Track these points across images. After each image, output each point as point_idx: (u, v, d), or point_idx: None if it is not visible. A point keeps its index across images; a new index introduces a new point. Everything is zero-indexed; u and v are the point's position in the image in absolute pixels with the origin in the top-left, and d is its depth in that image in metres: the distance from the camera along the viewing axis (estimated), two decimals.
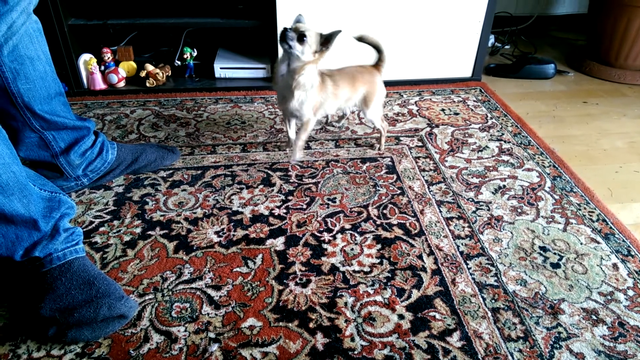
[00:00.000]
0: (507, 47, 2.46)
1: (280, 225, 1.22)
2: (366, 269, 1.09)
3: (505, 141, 1.60)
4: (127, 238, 1.17)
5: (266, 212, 1.26)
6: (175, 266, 1.09)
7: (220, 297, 1.02)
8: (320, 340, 0.93)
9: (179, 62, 2.01)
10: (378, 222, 1.23)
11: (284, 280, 1.06)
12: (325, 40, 1.27)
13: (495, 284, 1.06)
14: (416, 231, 1.20)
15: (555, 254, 1.14)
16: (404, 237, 1.18)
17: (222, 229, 1.20)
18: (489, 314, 0.99)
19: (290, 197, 1.32)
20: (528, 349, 0.92)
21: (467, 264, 1.11)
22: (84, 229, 1.19)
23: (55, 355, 0.90)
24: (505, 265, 1.11)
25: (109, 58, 1.86)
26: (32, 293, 0.94)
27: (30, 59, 1.07)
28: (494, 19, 1.92)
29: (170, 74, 1.96)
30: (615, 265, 1.12)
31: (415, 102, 1.86)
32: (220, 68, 1.95)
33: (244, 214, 1.25)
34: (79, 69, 1.81)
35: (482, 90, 1.96)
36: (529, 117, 1.80)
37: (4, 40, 1.00)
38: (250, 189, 1.35)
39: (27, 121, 1.13)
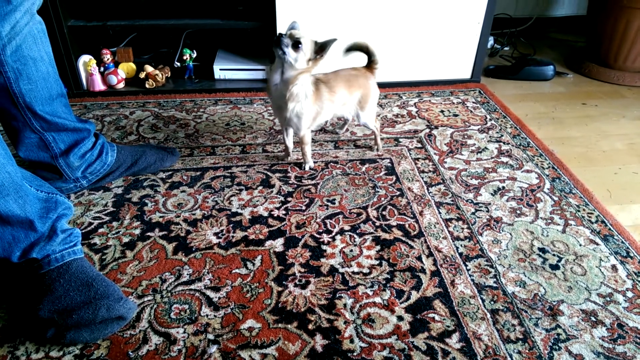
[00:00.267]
0: (506, 48, 2.46)
1: (280, 226, 1.22)
2: (365, 270, 1.09)
3: (504, 143, 1.60)
4: (126, 239, 1.17)
5: (265, 214, 1.26)
6: (174, 267, 1.09)
7: (219, 298, 1.02)
8: (319, 341, 0.93)
9: (178, 64, 2.01)
10: (377, 223, 1.23)
11: (283, 282, 1.06)
12: (320, 49, 1.26)
13: (495, 285, 1.06)
14: (415, 232, 1.20)
15: (554, 255, 1.14)
16: (403, 239, 1.18)
17: (221, 230, 1.20)
18: (488, 315, 0.99)
19: (289, 199, 1.31)
20: (527, 351, 0.92)
21: (466, 266, 1.11)
22: (83, 230, 1.19)
23: (54, 356, 0.90)
24: (504, 267, 1.11)
25: (108, 59, 1.86)
26: (31, 295, 0.94)
27: (33, 60, 1.07)
28: (493, 21, 1.92)
29: (169, 75, 1.96)
30: (614, 267, 1.12)
31: (415, 103, 1.86)
32: (220, 69, 1.95)
33: (243, 215, 1.25)
34: (79, 70, 1.81)
35: (482, 92, 1.96)
36: (528, 119, 1.80)
37: (7, 40, 1.00)
38: (249, 190, 1.35)
39: (28, 121, 1.13)
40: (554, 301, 1.02)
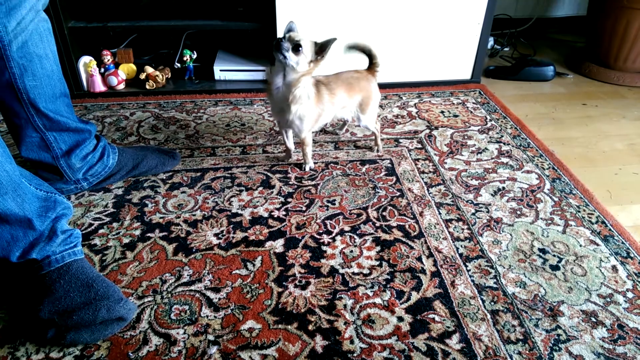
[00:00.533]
0: (506, 49, 2.46)
1: (280, 227, 1.22)
2: (365, 271, 1.09)
3: (504, 143, 1.60)
4: (126, 240, 1.17)
5: (265, 214, 1.26)
6: (174, 268, 1.09)
7: (219, 299, 1.02)
8: (319, 342, 0.93)
9: (178, 65, 2.01)
10: (377, 224, 1.23)
11: (283, 283, 1.06)
12: (320, 49, 1.25)
13: (495, 286, 1.06)
14: (415, 233, 1.20)
15: (554, 256, 1.14)
16: (404, 239, 1.18)
17: (222, 231, 1.20)
18: (489, 316, 0.99)
19: (289, 199, 1.32)
20: (527, 351, 0.92)
21: (466, 266, 1.11)
22: (83, 231, 1.19)
23: (54, 357, 0.90)
24: (504, 267, 1.11)
25: (108, 60, 1.86)
26: (31, 296, 0.94)
27: (38, 57, 1.08)
28: (493, 21, 1.92)
29: (170, 76, 1.96)
30: (614, 268, 1.12)
31: (415, 104, 1.86)
32: (220, 70, 1.95)
33: (243, 216, 1.25)
34: (79, 71, 1.81)
35: (482, 93, 1.96)
36: (528, 119, 1.80)
37: (13, 36, 1.01)
38: (249, 191, 1.35)
39: (30, 118, 1.13)
40: (554, 302, 1.02)
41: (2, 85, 1.06)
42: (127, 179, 1.38)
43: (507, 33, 2.51)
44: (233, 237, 1.18)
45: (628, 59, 2.07)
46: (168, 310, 0.99)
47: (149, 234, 1.19)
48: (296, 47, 1.21)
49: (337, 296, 1.03)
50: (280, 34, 1.79)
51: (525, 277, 1.08)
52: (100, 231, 1.20)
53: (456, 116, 1.77)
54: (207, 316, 0.98)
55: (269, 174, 1.42)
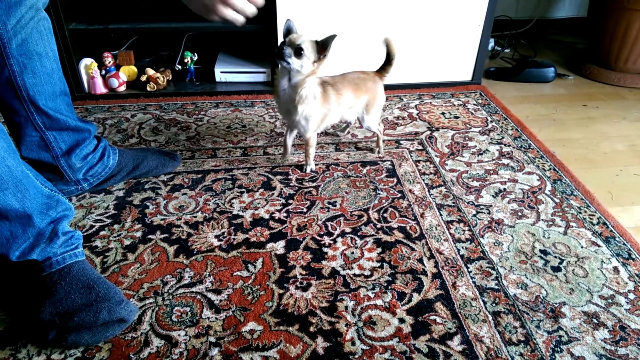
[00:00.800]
0: (507, 50, 2.46)
1: (281, 229, 1.22)
2: (367, 272, 1.09)
3: (505, 144, 1.60)
4: (127, 242, 1.17)
5: (266, 216, 1.26)
6: (175, 270, 1.09)
7: (220, 301, 1.02)
8: (320, 344, 0.93)
9: (179, 66, 2.01)
10: (378, 225, 1.23)
11: (285, 284, 1.06)
12: (322, 47, 1.24)
13: (496, 287, 1.06)
14: (416, 235, 1.20)
15: (555, 257, 1.14)
16: (405, 241, 1.18)
17: (223, 233, 1.20)
18: (490, 317, 0.99)
19: (290, 201, 1.32)
20: (529, 353, 0.92)
21: (467, 268, 1.11)
22: (85, 233, 1.19)
23: (55, 359, 0.90)
24: (505, 269, 1.11)
25: (109, 62, 1.86)
26: (32, 297, 0.94)
27: (38, 55, 1.09)
28: (493, 23, 1.92)
29: (170, 78, 1.96)
30: (616, 269, 1.11)
31: (416, 105, 1.86)
32: (221, 72, 1.95)
33: (244, 218, 1.25)
34: (80, 73, 1.82)
35: (482, 94, 1.96)
36: (529, 121, 1.80)
37: (12, 34, 1.02)
38: (250, 193, 1.35)
39: (30, 116, 1.13)
40: (556, 303, 1.02)
41: (1, 83, 1.07)
42: (128, 181, 1.38)
43: (508, 34, 2.51)
44: (234, 239, 1.18)
45: (629, 60, 2.07)
46: (169, 312, 0.99)
47: (150, 236, 1.19)
48: (298, 51, 1.21)
49: (338, 298, 1.03)
50: (280, 36, 1.79)
51: (527, 278, 1.08)
52: (102, 233, 1.20)
53: (457, 117, 1.77)
54: (208, 318, 0.98)
55: (269, 175, 1.42)
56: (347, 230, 1.21)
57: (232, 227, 1.22)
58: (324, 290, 1.05)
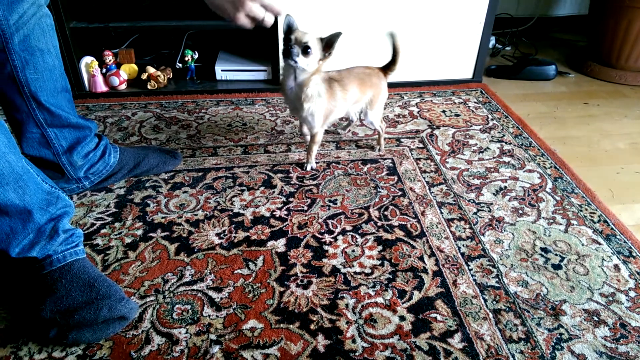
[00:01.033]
0: (507, 48, 2.46)
1: (282, 226, 1.22)
2: (367, 270, 1.09)
3: (506, 142, 1.60)
4: (128, 240, 1.17)
5: (267, 214, 1.26)
6: (176, 268, 1.09)
7: (221, 298, 1.02)
8: (321, 341, 0.93)
9: (180, 65, 2.01)
10: (379, 223, 1.23)
11: (285, 282, 1.06)
12: (327, 45, 1.25)
13: (497, 285, 1.06)
14: (417, 233, 1.20)
15: (556, 255, 1.14)
16: (405, 239, 1.18)
17: (223, 231, 1.20)
18: (490, 315, 0.99)
19: (291, 199, 1.32)
20: (529, 351, 0.92)
21: (468, 265, 1.11)
22: (86, 231, 1.19)
23: (56, 357, 0.90)
24: (506, 267, 1.11)
25: (110, 61, 1.87)
26: (33, 295, 0.94)
27: (40, 51, 1.09)
28: (494, 21, 1.92)
29: (171, 77, 1.96)
30: (616, 267, 1.11)
31: (416, 103, 1.86)
32: (222, 70, 1.95)
33: (245, 216, 1.25)
34: (81, 72, 1.82)
35: (483, 92, 1.96)
36: (530, 119, 1.80)
37: (15, 29, 1.02)
38: (251, 191, 1.35)
39: (32, 112, 1.13)
40: (557, 301, 1.02)
41: (3, 78, 1.07)
42: (129, 179, 1.38)
43: (509, 32, 2.50)
44: (235, 237, 1.18)
45: (630, 58, 2.07)
46: (170, 310, 0.99)
47: (151, 234, 1.19)
48: (305, 50, 1.21)
49: (339, 295, 1.03)
50: (281, 34, 1.79)
51: (527, 276, 1.08)
52: (103, 231, 1.20)
53: (458, 115, 1.77)
54: (209, 316, 0.98)
55: (270, 173, 1.42)
56: (348, 228, 1.22)
57: (233, 225, 1.22)
58: (325, 288, 1.05)
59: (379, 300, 1.02)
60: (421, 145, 1.58)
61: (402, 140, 1.61)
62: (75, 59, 1.78)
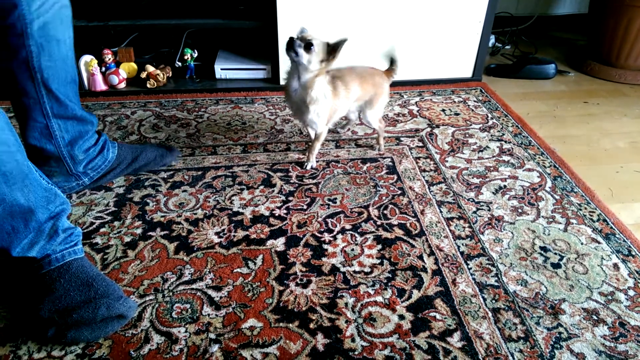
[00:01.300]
0: (507, 47, 2.46)
1: (281, 225, 1.22)
2: (367, 269, 1.09)
3: (505, 141, 1.60)
4: (127, 239, 1.17)
5: (267, 213, 1.26)
6: (175, 267, 1.09)
7: (220, 297, 1.02)
8: (320, 340, 0.93)
9: (179, 63, 2.01)
10: (378, 222, 1.23)
11: (285, 281, 1.06)
12: (332, 50, 1.26)
13: (496, 284, 1.06)
14: (417, 231, 1.20)
15: (555, 254, 1.14)
16: (405, 238, 1.18)
17: (223, 230, 1.20)
18: (490, 314, 0.99)
19: (290, 198, 1.32)
20: (529, 349, 0.92)
21: (467, 264, 1.11)
22: (85, 230, 1.19)
23: (55, 356, 0.90)
24: (505, 266, 1.11)
25: (109, 59, 1.86)
26: (32, 294, 0.94)
27: (56, 40, 1.11)
28: (494, 19, 1.92)
29: (170, 75, 1.96)
30: (616, 265, 1.11)
31: (416, 102, 1.86)
32: (221, 69, 1.95)
33: (244, 215, 1.25)
34: (80, 70, 1.81)
35: (483, 91, 1.96)
36: (530, 117, 1.80)
37: (35, 16, 1.04)
38: (250, 190, 1.35)
39: (40, 99, 1.14)
40: (556, 300, 1.02)
41: (18, 63, 1.08)
42: (128, 178, 1.38)
43: (509, 31, 2.50)
44: (234, 236, 1.18)
45: (629, 56, 2.07)
46: (169, 309, 0.99)
47: (150, 233, 1.19)
48: (308, 46, 1.22)
49: (338, 294, 1.03)
50: (281, 32, 1.79)
51: (527, 275, 1.08)
52: (102, 230, 1.20)
53: (457, 114, 1.77)
54: (209, 315, 0.98)
55: (270, 172, 1.42)
56: (347, 227, 1.21)
57: (232, 224, 1.22)
58: (324, 287, 1.05)
59: (379, 299, 1.02)
60: (421, 144, 1.58)
61: (401, 139, 1.61)
62: (74, 57, 1.77)
